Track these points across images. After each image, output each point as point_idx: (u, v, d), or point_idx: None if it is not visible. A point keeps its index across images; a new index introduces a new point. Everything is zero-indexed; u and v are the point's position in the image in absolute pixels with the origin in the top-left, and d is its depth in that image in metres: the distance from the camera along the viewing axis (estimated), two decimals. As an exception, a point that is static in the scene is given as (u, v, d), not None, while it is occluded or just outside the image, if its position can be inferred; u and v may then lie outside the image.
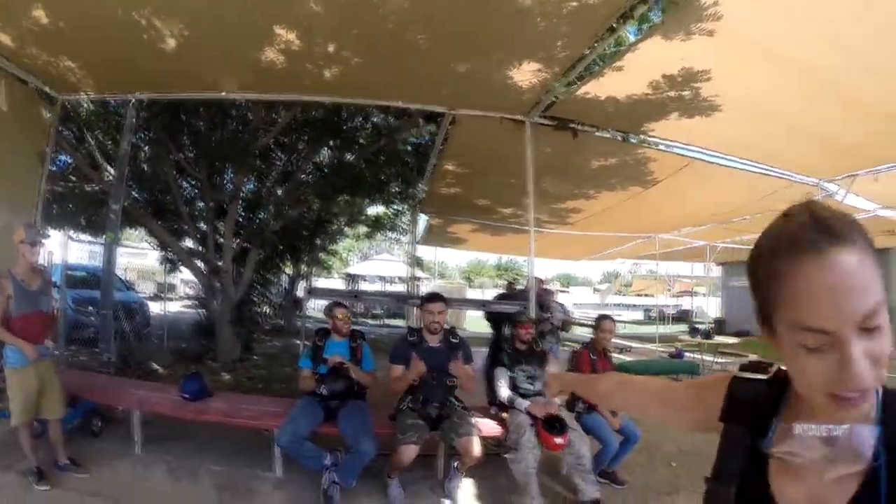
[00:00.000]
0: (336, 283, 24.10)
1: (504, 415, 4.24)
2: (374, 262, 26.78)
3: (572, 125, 5.60)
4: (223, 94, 5.68)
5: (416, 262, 12.46)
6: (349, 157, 9.17)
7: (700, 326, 16.41)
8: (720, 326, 17.61)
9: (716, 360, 10.10)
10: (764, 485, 0.77)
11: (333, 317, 4.30)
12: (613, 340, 4.90)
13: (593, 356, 4.63)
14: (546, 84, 4.64)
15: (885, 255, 11.23)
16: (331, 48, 4.43)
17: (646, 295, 40.49)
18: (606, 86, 4.57)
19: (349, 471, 3.69)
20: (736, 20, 3.54)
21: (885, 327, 0.64)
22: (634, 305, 34.63)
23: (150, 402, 4.44)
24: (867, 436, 0.69)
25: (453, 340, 4.21)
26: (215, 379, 6.57)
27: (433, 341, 4.15)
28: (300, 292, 14.16)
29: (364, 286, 23.42)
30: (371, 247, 29.67)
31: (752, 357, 0.90)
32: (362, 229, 14.12)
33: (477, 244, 13.96)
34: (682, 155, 6.57)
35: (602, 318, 4.84)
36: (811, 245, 0.65)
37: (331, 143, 8.91)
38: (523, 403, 4.11)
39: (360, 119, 8.66)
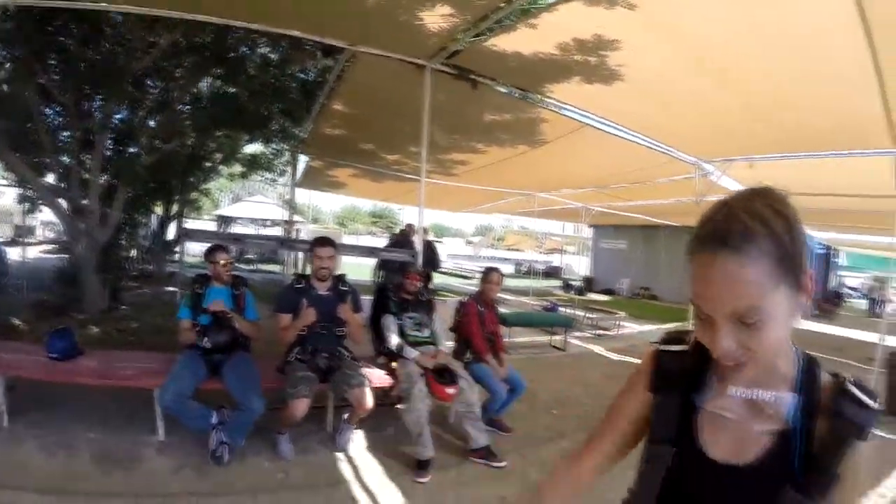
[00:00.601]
0: (207, 224, 22.70)
1: (394, 364, 4.23)
2: (247, 203, 25.54)
3: (473, 76, 5.51)
4: (102, 4, 4.90)
5: (293, 206, 11.93)
6: (232, 88, 8.43)
7: (573, 283, 17.48)
8: (589, 284, 18.90)
9: (587, 314, 10.78)
10: (693, 436, 0.90)
11: (215, 262, 3.94)
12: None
13: (481, 308, 4.72)
14: (455, 30, 4.47)
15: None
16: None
17: (517, 250, 42.41)
18: (515, 41, 4.49)
19: (238, 429, 3.50)
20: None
21: (765, 325, 0.75)
22: (506, 259, 35.98)
23: (13, 365, 3.81)
24: (789, 402, 0.84)
25: (343, 288, 4.06)
26: (82, 333, 5.84)
27: (322, 288, 3.97)
28: (171, 234, 13.12)
29: (236, 229, 22.26)
30: (244, 187, 28.19)
31: (668, 327, 0.98)
32: (238, 168, 13.26)
33: (356, 189, 13.52)
34: (575, 119, 6.72)
35: (490, 271, 4.91)
36: (708, 245, 0.77)
37: (214, 71, 8.12)
38: (412, 353, 4.12)
39: (247, 48, 7.94)
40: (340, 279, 4.10)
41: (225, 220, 23.66)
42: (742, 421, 0.86)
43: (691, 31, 4.03)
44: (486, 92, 5.91)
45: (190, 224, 15.43)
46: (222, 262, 3.94)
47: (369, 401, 3.67)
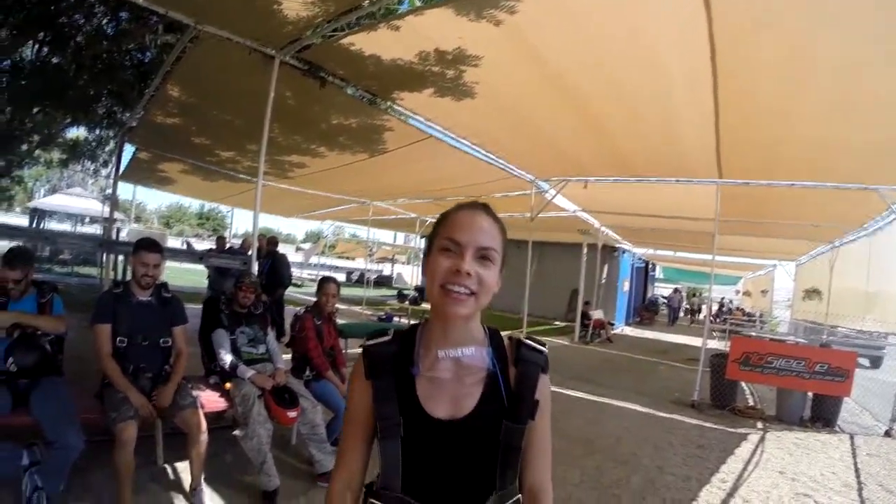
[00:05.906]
0: (17, 219, 19.44)
1: (227, 385, 3.77)
2: (64, 196, 22.59)
3: (323, 74, 5.20)
4: None
5: (115, 202, 10.48)
6: (58, 59, 7.17)
7: (407, 293, 17.56)
8: (421, 293, 19.06)
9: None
10: (416, 403, 1.05)
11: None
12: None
13: (318, 321, 4.39)
14: (313, 22, 4.14)
15: (576, 248, 13.65)
16: None
17: (348, 258, 41.96)
18: (375, 41, 4.33)
19: (55, 472, 2.75)
20: (526, 18, 3.67)
21: (492, 266, 1.04)
22: (337, 267, 35.37)
23: None
24: (485, 354, 1.08)
25: (165, 295, 3.51)
26: None
27: (143, 296, 3.38)
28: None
29: (52, 225, 19.34)
30: (62, 178, 24.67)
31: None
32: (57, 155, 11.41)
33: (186, 187, 12.18)
34: (420, 129, 6.69)
35: (325, 281, 4.56)
36: (472, 207, 1.08)
37: (40, 36, 6.83)
38: (247, 372, 3.70)
39: (81, 16, 6.79)
40: (163, 286, 3.55)
41: (39, 214, 20.93)
42: (454, 378, 1.07)
43: (552, 54, 4.20)
44: (333, 93, 5.62)
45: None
46: (11, 279, 3.10)
47: (202, 425, 3.19)
